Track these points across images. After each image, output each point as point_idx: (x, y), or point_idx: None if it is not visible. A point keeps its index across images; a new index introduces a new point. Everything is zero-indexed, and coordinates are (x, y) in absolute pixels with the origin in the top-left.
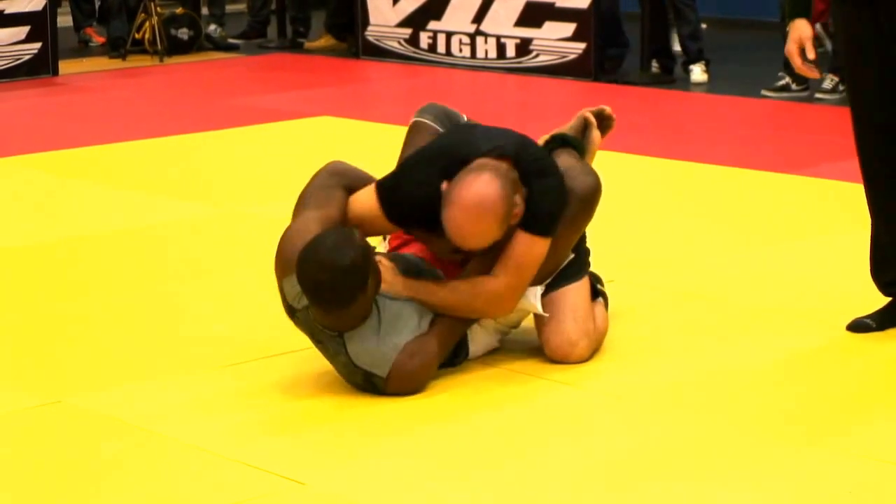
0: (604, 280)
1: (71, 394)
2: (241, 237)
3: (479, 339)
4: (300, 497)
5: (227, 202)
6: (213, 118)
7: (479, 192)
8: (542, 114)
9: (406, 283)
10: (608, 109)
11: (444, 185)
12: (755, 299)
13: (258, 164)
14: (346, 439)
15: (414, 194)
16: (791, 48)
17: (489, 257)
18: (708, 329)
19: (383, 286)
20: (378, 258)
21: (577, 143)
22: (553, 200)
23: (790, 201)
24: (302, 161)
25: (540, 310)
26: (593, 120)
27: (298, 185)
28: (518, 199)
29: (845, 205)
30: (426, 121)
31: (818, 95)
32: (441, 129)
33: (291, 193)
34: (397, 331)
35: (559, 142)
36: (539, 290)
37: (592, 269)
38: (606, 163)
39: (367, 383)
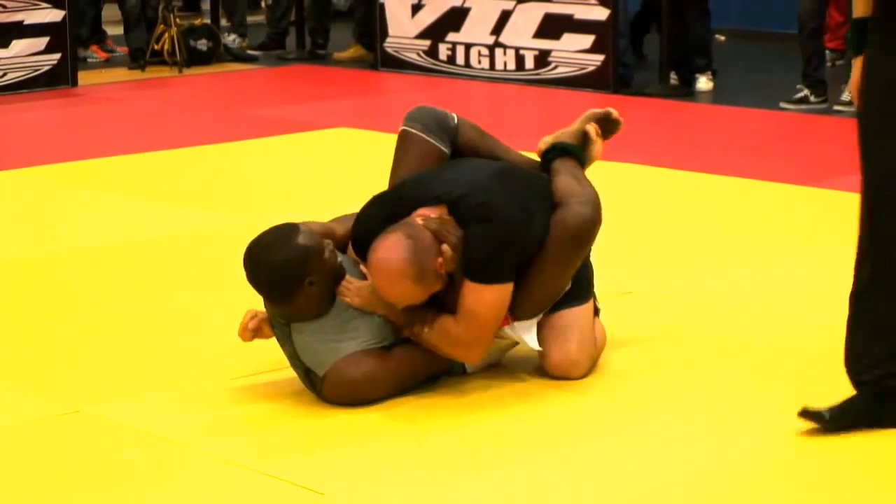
0: (615, 292)
1: (90, 403)
2: None
3: None
4: None
5: (245, 213)
6: (232, 129)
7: (381, 257)
8: (562, 125)
9: (383, 303)
10: (615, 113)
11: None
12: (772, 311)
13: (276, 174)
14: (364, 450)
15: (366, 237)
16: (854, 85)
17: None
18: (722, 340)
19: (354, 299)
20: (365, 271)
21: (577, 151)
22: (486, 247)
23: (809, 213)
24: (319, 172)
25: (535, 346)
26: (594, 135)
27: (316, 196)
28: (447, 248)
29: None
30: (413, 130)
31: (837, 108)
32: (429, 138)
33: (309, 204)
34: (348, 336)
35: (559, 151)
36: (534, 323)
37: (605, 281)
38: (624, 174)
39: (306, 379)
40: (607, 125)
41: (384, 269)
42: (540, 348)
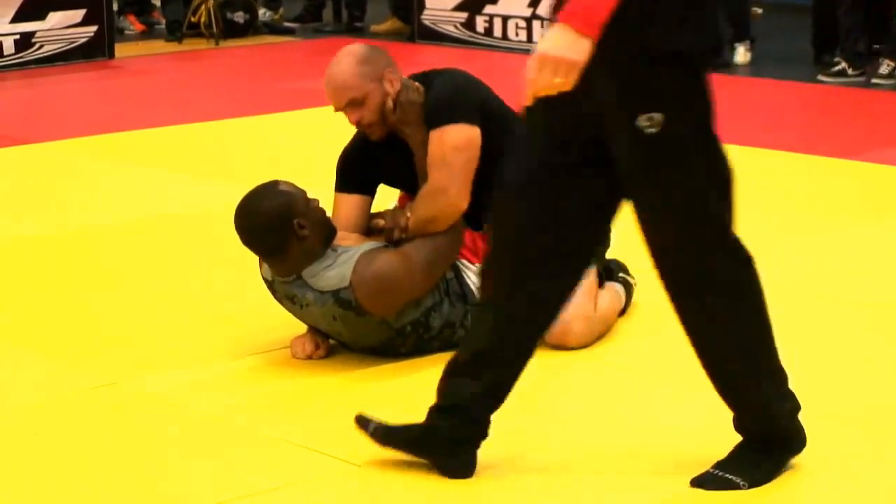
0: (628, 268)
1: (126, 376)
2: None
3: None
4: (354, 478)
5: None
6: (268, 102)
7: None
8: None
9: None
10: None
11: None
12: (807, 285)
13: (313, 147)
14: (400, 421)
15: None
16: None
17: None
18: None
19: (351, 243)
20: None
21: None
22: (440, 92)
23: (846, 187)
24: None
25: None
26: None
27: None
28: (392, 77)
29: None
30: None
31: (875, 80)
32: None
33: None
34: (355, 253)
35: None
36: None
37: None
38: None
39: (339, 307)
40: None
41: (340, 51)
42: None
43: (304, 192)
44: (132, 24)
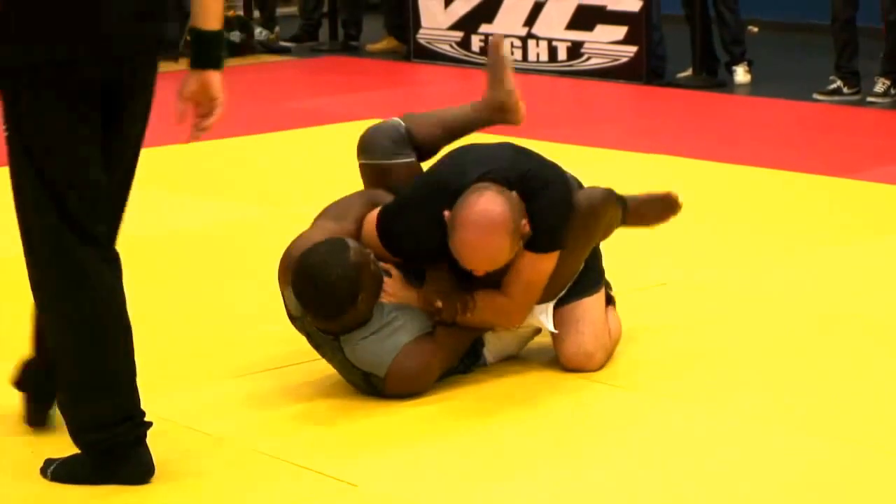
0: (612, 284)
1: None
2: (290, 239)
3: (497, 346)
4: (352, 498)
5: (276, 205)
6: (264, 121)
7: (485, 208)
8: (594, 117)
9: (412, 296)
10: (674, 194)
11: (446, 214)
12: (806, 302)
13: (308, 167)
14: (398, 441)
15: (409, 233)
16: None
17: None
18: (756, 332)
19: (387, 298)
20: (386, 267)
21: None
22: (555, 214)
23: (842, 205)
24: (352, 164)
25: (551, 328)
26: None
27: (349, 188)
28: (524, 218)
29: None
30: (375, 162)
31: (870, 99)
32: (393, 161)
33: (341, 196)
34: (397, 333)
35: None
36: (550, 306)
37: (639, 273)
38: (657, 166)
39: (365, 383)
40: (664, 204)
41: (487, 220)
42: (556, 330)
43: (368, 257)
44: None
